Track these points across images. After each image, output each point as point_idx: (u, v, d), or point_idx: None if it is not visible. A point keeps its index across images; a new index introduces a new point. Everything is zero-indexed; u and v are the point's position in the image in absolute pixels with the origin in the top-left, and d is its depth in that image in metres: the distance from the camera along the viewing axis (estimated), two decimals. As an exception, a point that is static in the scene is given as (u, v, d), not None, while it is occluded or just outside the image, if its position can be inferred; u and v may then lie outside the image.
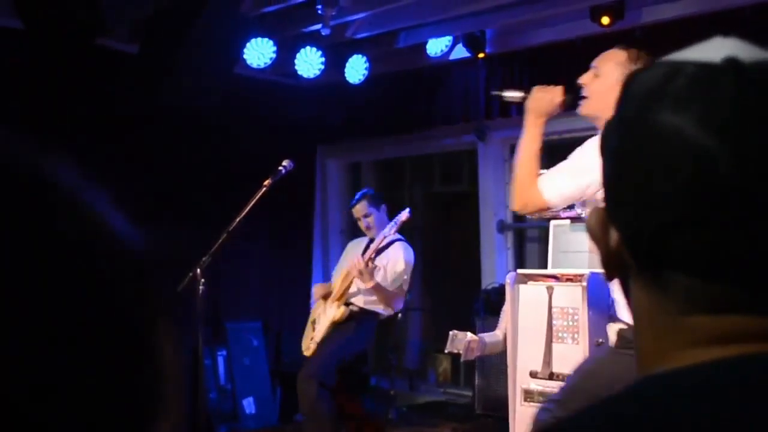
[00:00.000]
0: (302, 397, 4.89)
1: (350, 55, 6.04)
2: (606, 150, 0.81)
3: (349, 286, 5.07)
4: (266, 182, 4.25)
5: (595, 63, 2.97)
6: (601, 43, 5.38)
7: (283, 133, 6.66)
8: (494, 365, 5.29)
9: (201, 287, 4.16)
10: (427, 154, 7.19)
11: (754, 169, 0.68)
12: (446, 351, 4.29)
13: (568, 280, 3.97)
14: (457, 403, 6.22)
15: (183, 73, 5.68)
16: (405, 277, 5.11)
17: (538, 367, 3.95)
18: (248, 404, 6.42)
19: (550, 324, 3.90)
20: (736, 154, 0.68)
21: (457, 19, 5.68)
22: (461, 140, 6.56)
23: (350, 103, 6.62)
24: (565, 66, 5.64)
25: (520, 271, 4.20)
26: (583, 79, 2.94)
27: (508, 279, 4.10)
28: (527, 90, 3.04)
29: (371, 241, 5.20)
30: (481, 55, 5.93)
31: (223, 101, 6.06)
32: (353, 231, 6.79)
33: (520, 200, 2.97)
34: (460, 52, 6.06)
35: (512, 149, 6.52)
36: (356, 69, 6.06)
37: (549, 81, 5.67)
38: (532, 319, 3.98)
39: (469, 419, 5.70)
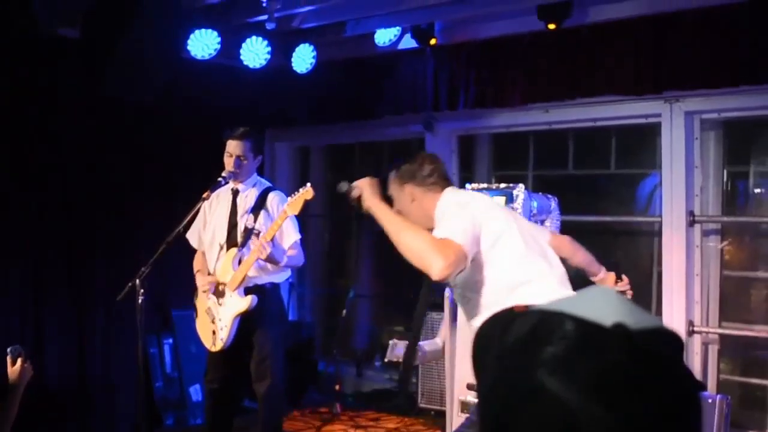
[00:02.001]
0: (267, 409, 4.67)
1: (297, 44, 5.96)
2: (485, 383, 0.81)
3: (246, 274, 4.54)
4: (205, 194, 4.20)
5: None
6: (547, 40, 5.42)
7: (230, 117, 6.56)
8: (438, 360, 5.36)
9: (140, 297, 4.13)
10: (377, 141, 7.17)
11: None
12: (386, 360, 4.33)
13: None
14: (402, 392, 6.29)
15: (125, 63, 5.58)
16: (298, 231, 4.65)
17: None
18: (195, 392, 6.43)
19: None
20: (624, 426, 0.70)
21: (405, 11, 5.62)
22: (409, 129, 6.54)
23: (299, 88, 6.55)
24: (512, 60, 5.67)
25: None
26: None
27: (447, 292, 4.13)
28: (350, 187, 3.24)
29: (236, 194, 4.66)
30: (432, 42, 5.85)
31: (169, 86, 5.97)
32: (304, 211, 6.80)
33: (443, 260, 2.71)
34: (409, 42, 6.01)
35: (459, 140, 6.60)
36: (303, 58, 5.98)
37: (495, 74, 5.71)
38: (469, 331, 4.01)
39: (412, 412, 5.79)
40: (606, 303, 0.77)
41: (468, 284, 3.04)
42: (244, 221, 4.64)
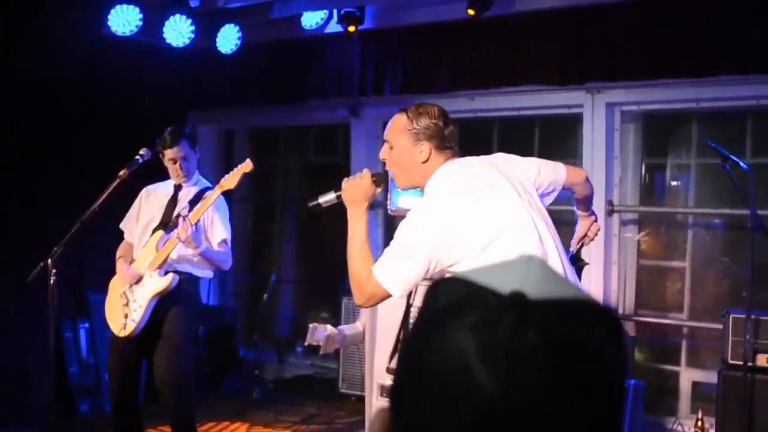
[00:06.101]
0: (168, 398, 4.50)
1: (222, 24, 5.85)
2: (406, 357, 0.81)
3: (169, 255, 4.43)
4: (122, 173, 4.10)
5: (386, 136, 3.01)
6: (475, 28, 5.44)
7: (152, 98, 6.42)
8: (358, 345, 5.35)
9: (52, 278, 4.00)
10: (303, 125, 7.11)
11: (519, 401, 0.70)
12: (306, 343, 4.31)
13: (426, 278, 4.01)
14: (323, 378, 6.27)
15: (42, 38, 5.40)
16: (229, 231, 4.58)
17: (394, 363, 4.01)
18: (111, 377, 6.28)
19: (406, 322, 3.96)
20: (505, 392, 0.71)
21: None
22: (335, 114, 6.50)
23: (223, 69, 6.44)
24: (440, 47, 5.67)
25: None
26: (382, 155, 3.00)
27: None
28: (338, 188, 2.99)
29: (178, 188, 4.63)
30: (351, 29, 5.73)
31: (87, 65, 5.80)
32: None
33: (362, 296, 2.81)
34: (336, 26, 5.95)
35: (384, 126, 6.55)
36: (228, 38, 5.88)
37: (423, 60, 5.71)
38: (390, 317, 4.02)
39: (333, 398, 5.77)
40: (525, 272, 0.76)
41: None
42: (179, 210, 4.54)
